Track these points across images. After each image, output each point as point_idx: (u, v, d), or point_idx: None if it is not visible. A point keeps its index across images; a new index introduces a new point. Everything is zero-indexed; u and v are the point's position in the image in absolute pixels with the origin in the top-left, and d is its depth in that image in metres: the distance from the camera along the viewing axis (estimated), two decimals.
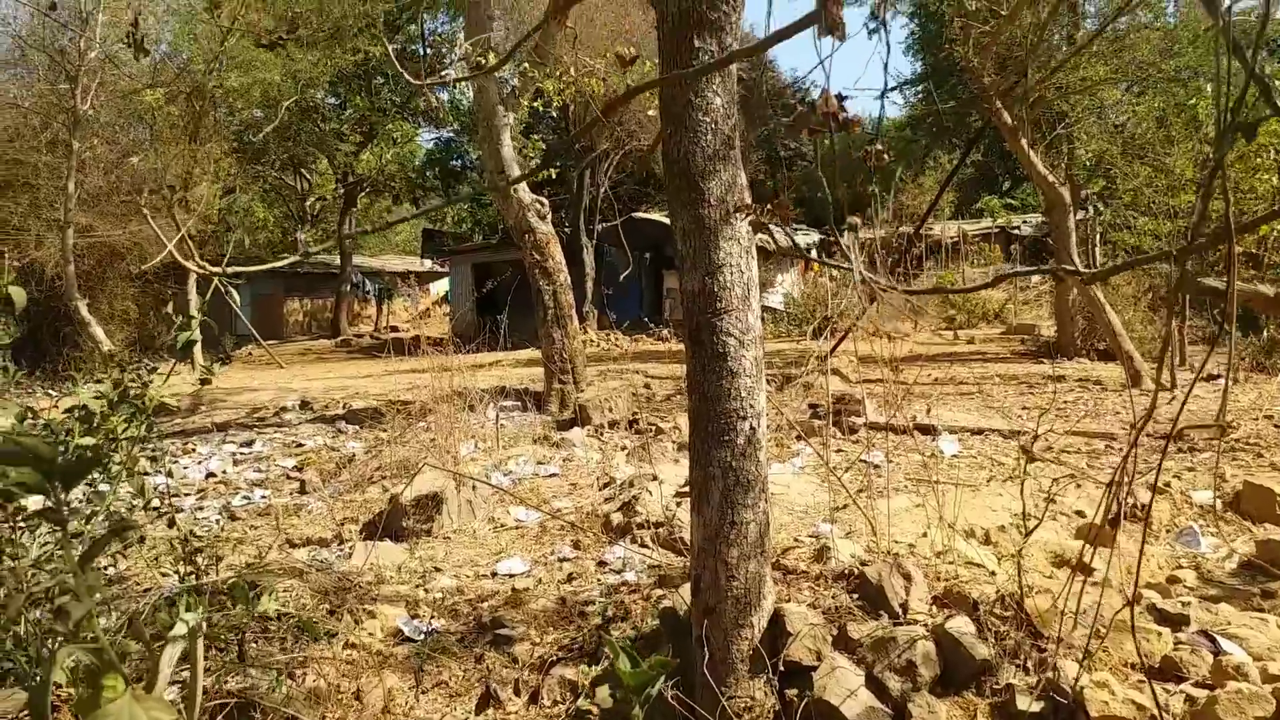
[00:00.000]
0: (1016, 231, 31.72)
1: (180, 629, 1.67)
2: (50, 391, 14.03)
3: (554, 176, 16.09)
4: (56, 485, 1.11)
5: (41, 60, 14.84)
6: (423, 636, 4.68)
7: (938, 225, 32.49)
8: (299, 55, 18.29)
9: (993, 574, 3.93)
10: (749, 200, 3.37)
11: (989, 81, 11.60)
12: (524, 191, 11.32)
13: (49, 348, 17.36)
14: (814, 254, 28.66)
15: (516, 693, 4.23)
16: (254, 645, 4.22)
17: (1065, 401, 10.56)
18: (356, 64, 21.69)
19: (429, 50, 25.03)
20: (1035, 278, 26.74)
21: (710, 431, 3.50)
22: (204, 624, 3.13)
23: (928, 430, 8.91)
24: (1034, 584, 3.86)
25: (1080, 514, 6.00)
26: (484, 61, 9.67)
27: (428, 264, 38.27)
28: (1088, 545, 5.36)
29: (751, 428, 3.50)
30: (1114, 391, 11.30)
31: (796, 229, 27.86)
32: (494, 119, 11.15)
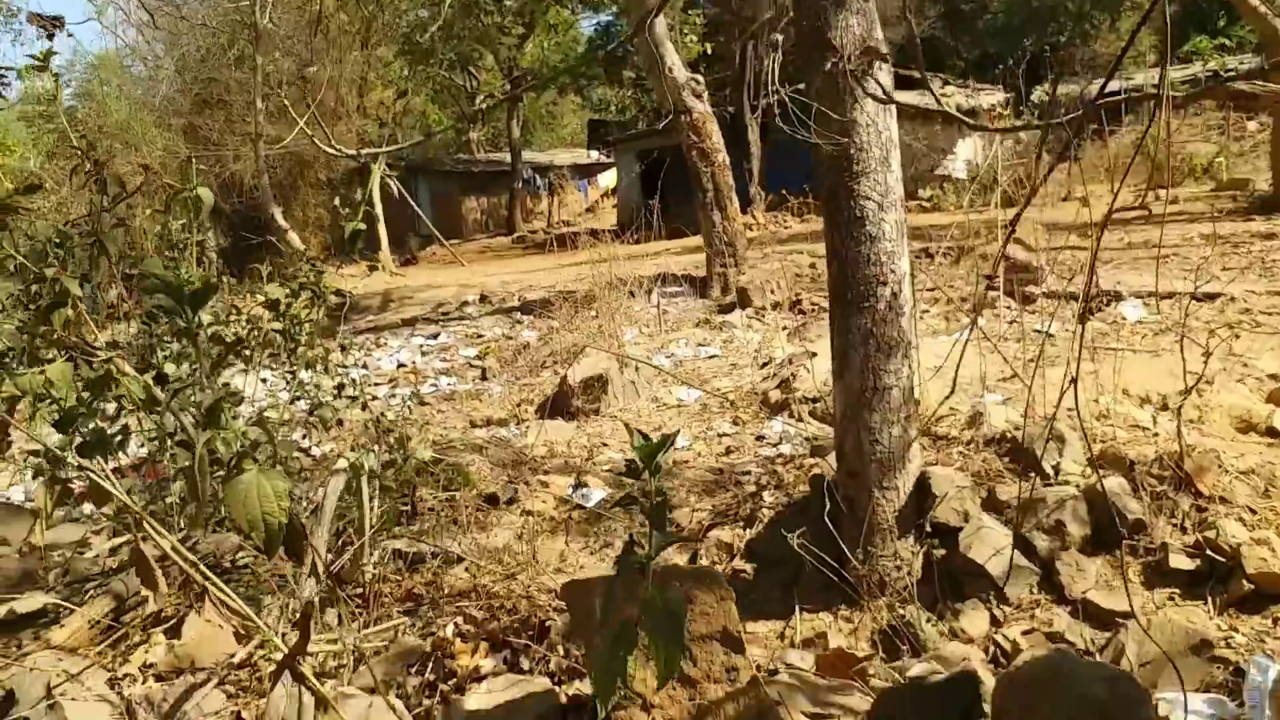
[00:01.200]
0: (1232, 74, 28.40)
1: (341, 463, 1.91)
2: (254, 294, 15.39)
3: (709, 51, 15.67)
4: (186, 307, 1.35)
5: None
6: (590, 503, 5.00)
7: (1139, 74, 29.54)
8: None
9: (1156, 435, 3.77)
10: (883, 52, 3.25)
11: None
12: (679, 70, 11.17)
13: (254, 253, 18.94)
14: (1003, 116, 26.83)
15: (677, 553, 4.48)
16: (433, 513, 4.65)
17: (1274, 260, 9.62)
18: None
19: None
20: (1252, 124, 24.03)
21: (850, 299, 3.49)
22: (366, 464, 3.50)
23: (1112, 296, 8.39)
24: (1209, 447, 3.67)
25: (1275, 378, 5.57)
26: None
27: (595, 155, 38.54)
28: (1278, 409, 5.01)
29: (893, 293, 3.46)
30: None
31: (980, 88, 26.07)
32: None
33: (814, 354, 6.82)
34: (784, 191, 23.44)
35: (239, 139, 16.59)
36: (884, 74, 3.29)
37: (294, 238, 15.09)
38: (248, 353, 3.57)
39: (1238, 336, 6.32)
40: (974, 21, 39.53)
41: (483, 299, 14.36)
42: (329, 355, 4.72)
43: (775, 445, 5.51)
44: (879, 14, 3.39)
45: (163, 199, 3.40)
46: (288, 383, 4.52)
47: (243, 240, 19.06)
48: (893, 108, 3.38)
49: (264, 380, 5.18)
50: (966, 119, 2.92)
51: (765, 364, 7.54)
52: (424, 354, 10.53)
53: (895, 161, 3.47)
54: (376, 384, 9.14)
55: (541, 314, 11.96)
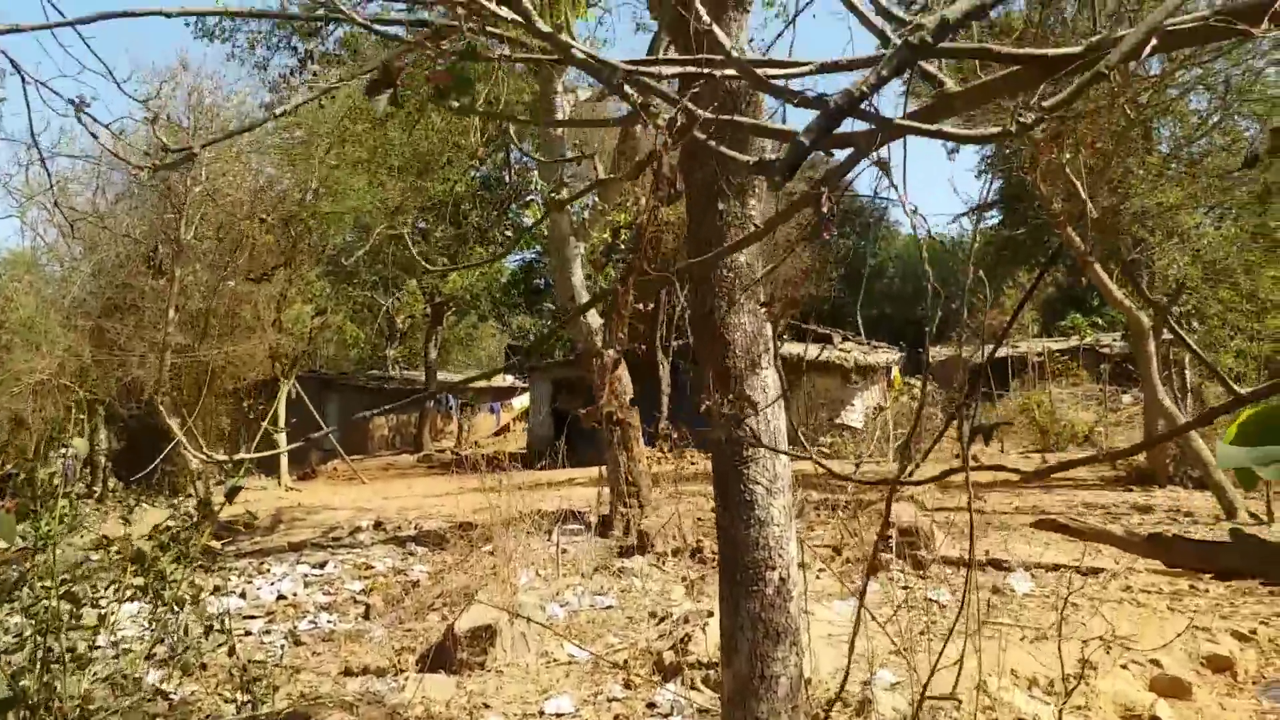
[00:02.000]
0: (1106, 350, 30.89)
1: None
2: (145, 505, 14.58)
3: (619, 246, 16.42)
4: None
5: (152, 194, 16.06)
6: None
7: (1023, 343, 31.90)
8: (390, 183, 19.37)
9: None
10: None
11: (1059, 208, 11.56)
12: (593, 316, 11.61)
13: (147, 460, 18.21)
14: (895, 373, 28.35)
15: None
16: None
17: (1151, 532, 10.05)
18: (444, 192, 22.83)
19: (515, 177, 26.20)
20: (1126, 397, 25.86)
21: (738, 580, 3.48)
22: None
23: (1001, 565, 8.58)
24: None
25: (1156, 663, 5.67)
26: (556, 197, 10.10)
27: (510, 379, 39.05)
28: (1160, 699, 5.05)
29: (781, 578, 3.47)
30: (1205, 524, 10.74)
31: (877, 346, 27.66)
32: (565, 248, 11.58)
33: (710, 612, 6.70)
34: (691, 429, 23.87)
35: (146, 344, 16.37)
36: (770, 372, 3.46)
37: (188, 452, 14.57)
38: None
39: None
40: (872, 284, 42.70)
41: (377, 525, 13.92)
42: (200, 594, 4.43)
43: (667, 716, 5.28)
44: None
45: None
46: (150, 624, 4.22)
47: (139, 444, 18.31)
48: (781, 401, 3.53)
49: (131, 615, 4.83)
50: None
51: (661, 619, 7.37)
52: (307, 585, 10.01)
53: (784, 445, 3.58)
54: (253, 617, 8.59)
55: (436, 548, 11.60)
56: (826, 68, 2.14)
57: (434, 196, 22.98)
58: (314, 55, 11.95)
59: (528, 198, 26.03)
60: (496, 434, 36.35)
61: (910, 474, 2.50)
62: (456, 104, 2.10)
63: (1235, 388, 1.74)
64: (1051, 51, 1.91)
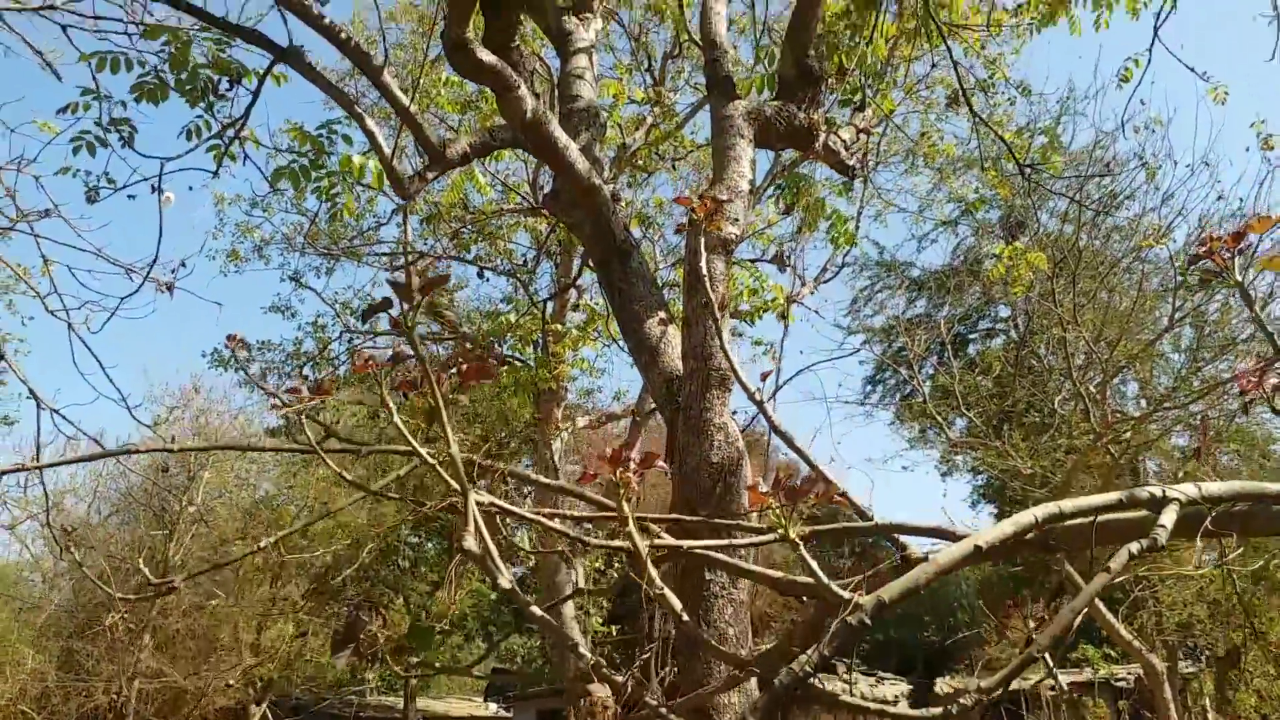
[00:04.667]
0: (1123, 684, 29.43)
1: None
2: None
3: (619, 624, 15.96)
4: None
5: (145, 513, 16.06)
6: None
7: (1034, 675, 30.46)
8: (384, 505, 19.42)
9: None
10: None
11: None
12: (584, 649, 11.17)
13: None
14: (903, 705, 26.77)
15: None
16: None
17: None
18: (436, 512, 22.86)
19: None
20: None
21: None
22: None
23: None
24: None
25: None
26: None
27: (493, 708, 36.81)
28: None
29: None
30: None
31: (884, 678, 26.40)
32: (556, 575, 11.40)
33: None
34: None
35: (115, 669, 15.58)
36: None
37: None
38: None
39: None
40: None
41: None
42: None
43: None
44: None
45: None
46: None
47: None
48: None
49: None
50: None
51: None
52: None
53: None
54: None
55: None
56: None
57: (429, 515, 23.01)
58: (322, 384, 12.44)
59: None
60: None
61: None
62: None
63: None
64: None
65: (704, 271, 3.24)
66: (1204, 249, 1.95)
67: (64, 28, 5.80)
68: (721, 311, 4.12)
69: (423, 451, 2.13)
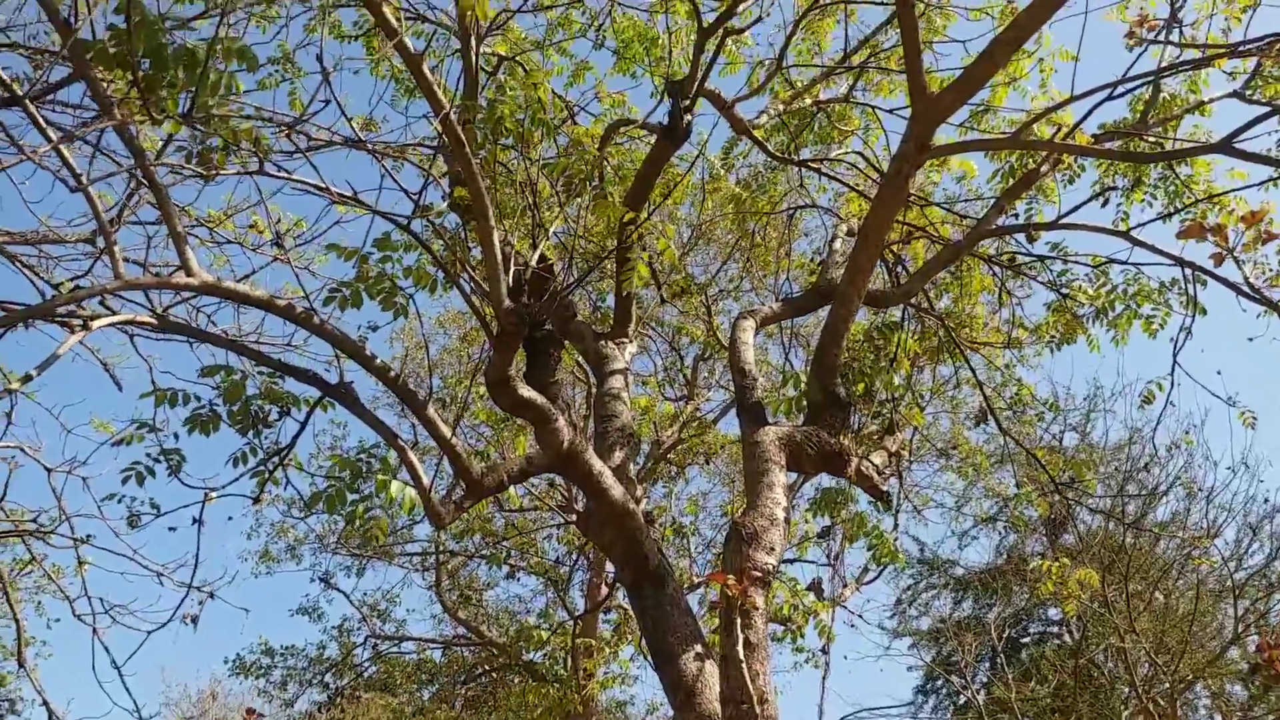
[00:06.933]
0: None
1: None
2: None
3: None
4: None
5: None
6: None
7: None
8: None
9: None
10: None
11: None
12: None
13: None
14: None
15: None
16: None
17: None
18: None
19: None
20: None
21: None
22: None
23: None
24: None
25: None
26: None
27: None
28: None
29: None
30: None
31: None
32: None
33: None
34: None
35: None
36: None
37: None
38: None
39: None
40: None
41: None
42: None
43: None
44: None
45: None
46: None
47: None
48: None
49: None
50: None
51: None
52: None
53: None
54: None
55: None
56: None
57: None
58: (343, 692, 11.95)
59: None
60: None
61: None
62: None
63: None
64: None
65: (739, 636, 3.11)
66: (1265, 656, 1.86)
67: (131, 337, 6.20)
68: (758, 654, 3.94)
69: None
